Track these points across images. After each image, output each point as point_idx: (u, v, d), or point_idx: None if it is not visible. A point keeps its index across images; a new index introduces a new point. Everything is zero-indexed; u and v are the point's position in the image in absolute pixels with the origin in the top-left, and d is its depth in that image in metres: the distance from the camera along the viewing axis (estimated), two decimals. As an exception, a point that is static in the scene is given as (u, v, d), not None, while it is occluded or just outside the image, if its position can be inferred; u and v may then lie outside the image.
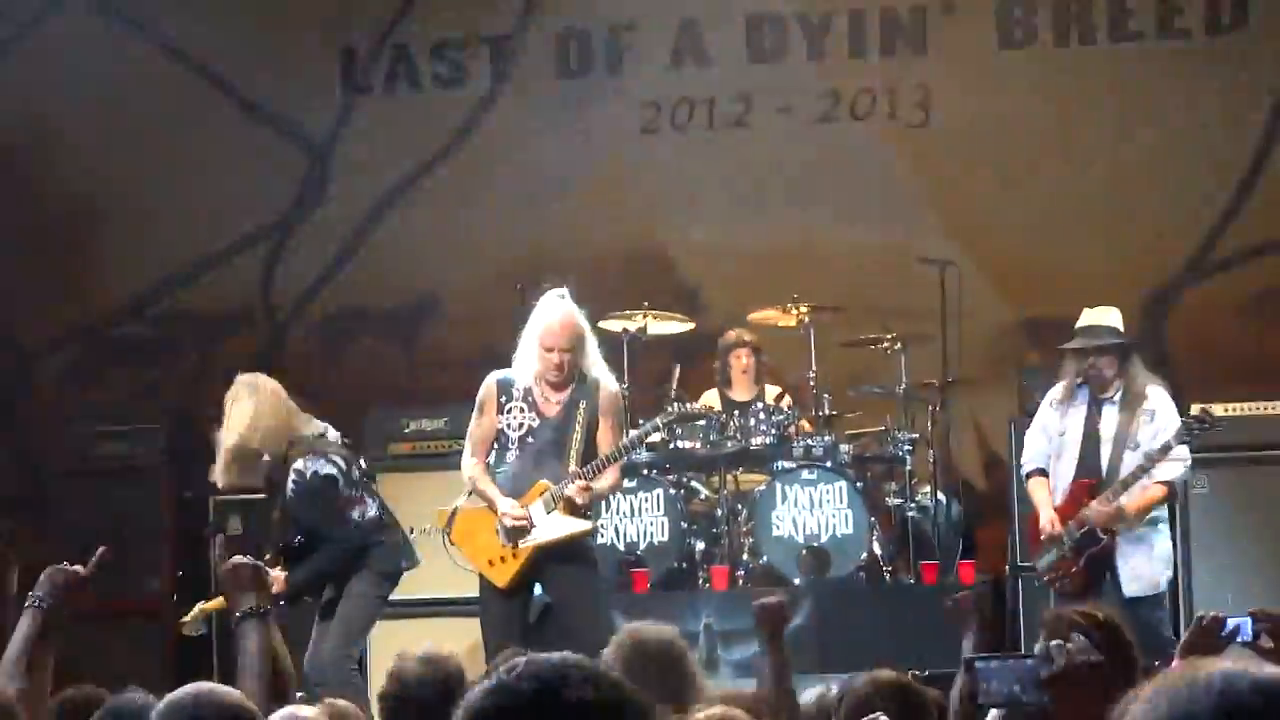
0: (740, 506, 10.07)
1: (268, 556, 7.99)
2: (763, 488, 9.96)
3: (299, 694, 4.83)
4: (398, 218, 12.29)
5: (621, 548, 9.89)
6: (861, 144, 11.87)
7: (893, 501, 10.26)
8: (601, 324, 9.18)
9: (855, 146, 11.87)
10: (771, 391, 10.49)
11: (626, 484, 9.50)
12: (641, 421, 8.94)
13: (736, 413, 10.13)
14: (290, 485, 7.98)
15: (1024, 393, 10.05)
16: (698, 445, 10.06)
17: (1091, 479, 8.53)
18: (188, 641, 10.21)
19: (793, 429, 10.15)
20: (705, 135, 12.09)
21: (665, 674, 4.80)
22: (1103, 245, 11.52)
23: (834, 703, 4.48)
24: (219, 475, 8.11)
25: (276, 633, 4.56)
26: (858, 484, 9.96)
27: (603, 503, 9.15)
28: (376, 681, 5.22)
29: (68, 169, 12.25)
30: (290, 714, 3.93)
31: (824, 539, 9.83)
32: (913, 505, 10.10)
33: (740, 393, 10.50)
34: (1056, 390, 8.76)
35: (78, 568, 4.49)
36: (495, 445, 8.11)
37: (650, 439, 9.09)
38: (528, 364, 8.06)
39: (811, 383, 10.30)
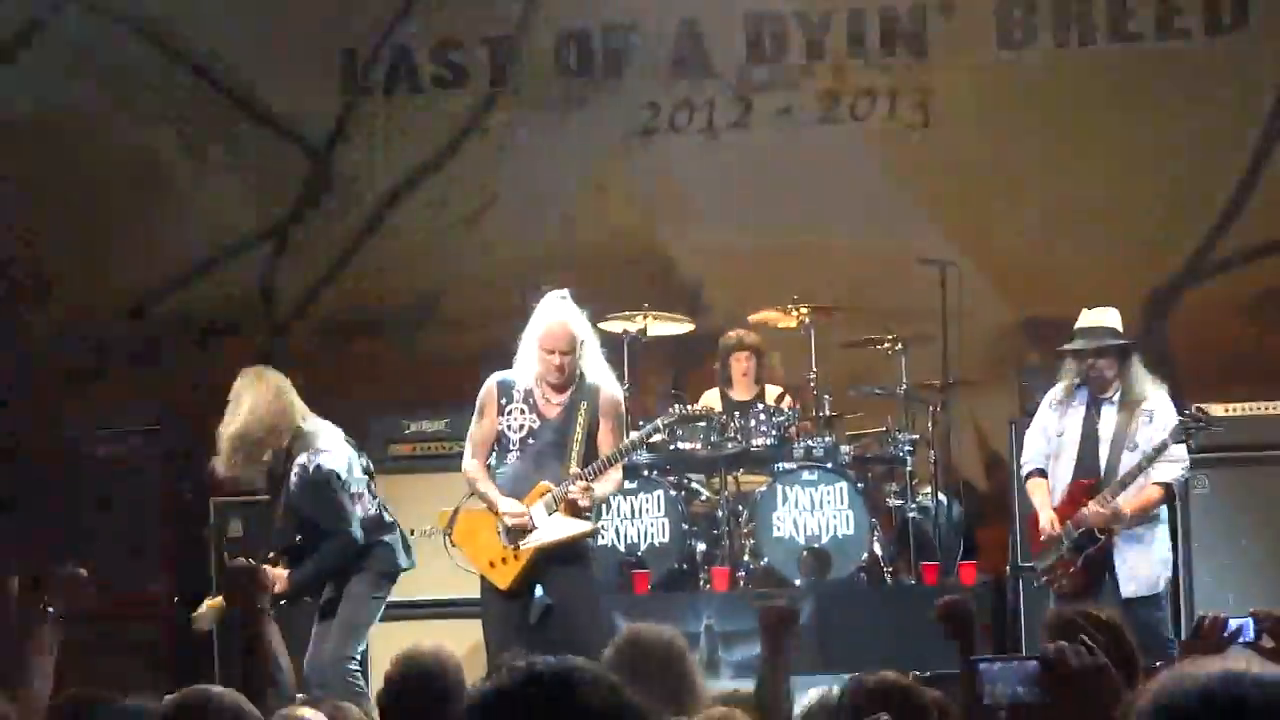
0: (741, 508, 10.07)
1: (270, 555, 8.01)
2: (763, 489, 9.96)
3: (299, 695, 4.83)
4: (398, 219, 12.30)
5: (622, 549, 9.90)
6: (861, 144, 11.87)
7: (893, 502, 10.27)
8: (602, 325, 9.18)
9: (855, 147, 11.87)
10: (772, 392, 10.50)
11: (627, 485, 9.49)
12: (642, 423, 8.94)
13: (737, 414, 10.13)
14: (294, 478, 7.98)
15: (1024, 393, 10.04)
16: (698, 446, 10.06)
17: (1090, 479, 8.53)
18: (188, 643, 10.22)
19: (793, 430, 10.15)
20: (705, 136, 12.09)
21: (665, 675, 4.80)
22: (1103, 245, 11.52)
23: (835, 703, 4.48)
24: (221, 464, 8.10)
25: (277, 634, 4.57)
26: (858, 485, 9.96)
27: (604, 504, 9.14)
28: (377, 682, 5.22)
29: (68, 169, 12.25)
30: (291, 714, 3.93)
31: (825, 540, 9.83)
32: (913, 506, 10.11)
33: (741, 393, 10.51)
34: (1055, 391, 8.76)
35: (81, 570, 4.50)
36: (496, 447, 8.10)
37: (651, 440, 9.10)
38: (528, 365, 8.05)
39: (812, 384, 10.30)
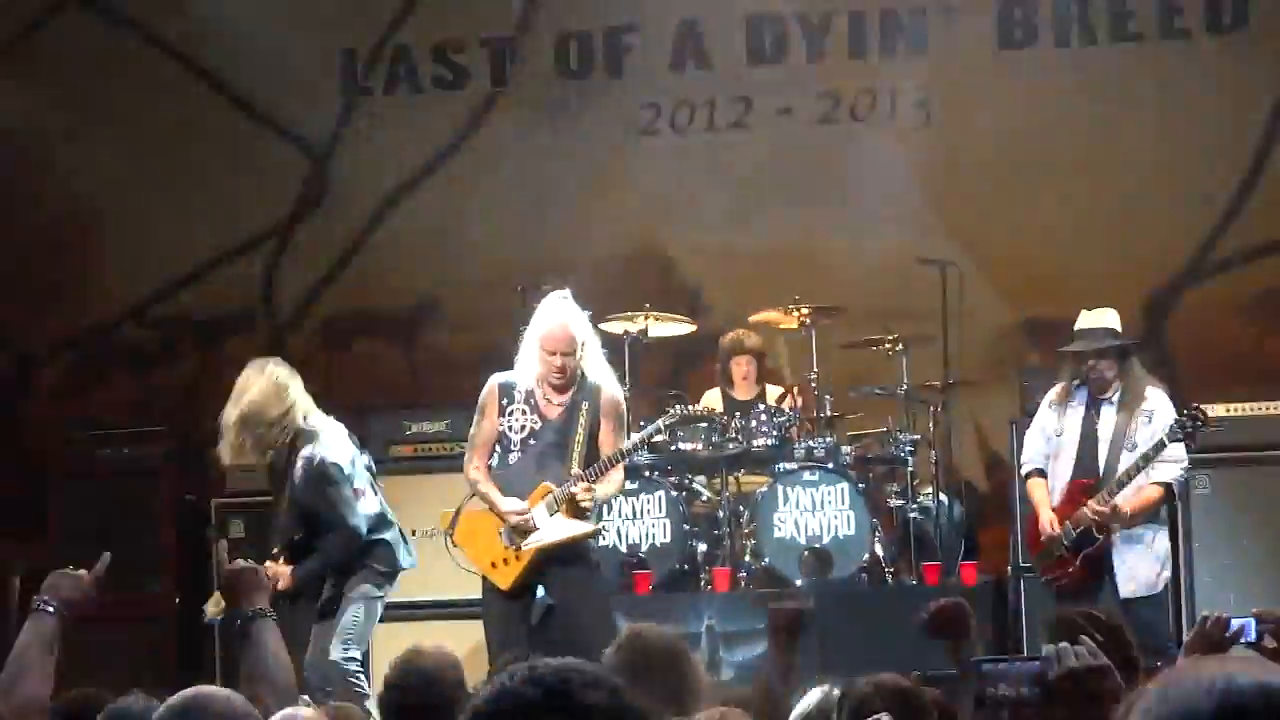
0: (742, 508, 10.06)
1: (274, 550, 8.01)
2: (764, 489, 9.96)
3: (301, 696, 4.83)
4: (398, 219, 12.30)
5: (623, 549, 9.89)
6: (862, 145, 11.87)
7: (894, 503, 10.26)
8: (603, 326, 9.18)
9: (855, 147, 11.86)
10: (773, 392, 10.49)
11: (628, 486, 9.49)
12: (643, 423, 8.94)
13: (738, 414, 10.13)
14: (299, 471, 7.98)
15: (1025, 393, 10.04)
16: (699, 447, 10.05)
17: (1088, 479, 8.53)
18: (188, 643, 10.23)
19: (794, 430, 10.16)
20: (705, 137, 12.09)
21: (667, 675, 4.80)
22: (1103, 245, 11.52)
23: (835, 703, 4.48)
24: (224, 451, 8.08)
25: (278, 635, 4.56)
26: (859, 485, 9.96)
27: (605, 505, 9.14)
28: (378, 683, 5.22)
29: (68, 171, 12.25)
30: (292, 715, 3.93)
31: (826, 540, 9.82)
32: (914, 506, 10.10)
33: (742, 394, 10.51)
34: (1054, 391, 8.77)
35: (82, 572, 4.49)
36: (497, 447, 8.10)
37: (652, 441, 9.09)
38: (529, 366, 8.05)
39: (813, 384, 10.30)
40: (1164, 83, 11.67)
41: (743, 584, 9.85)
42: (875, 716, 4.05)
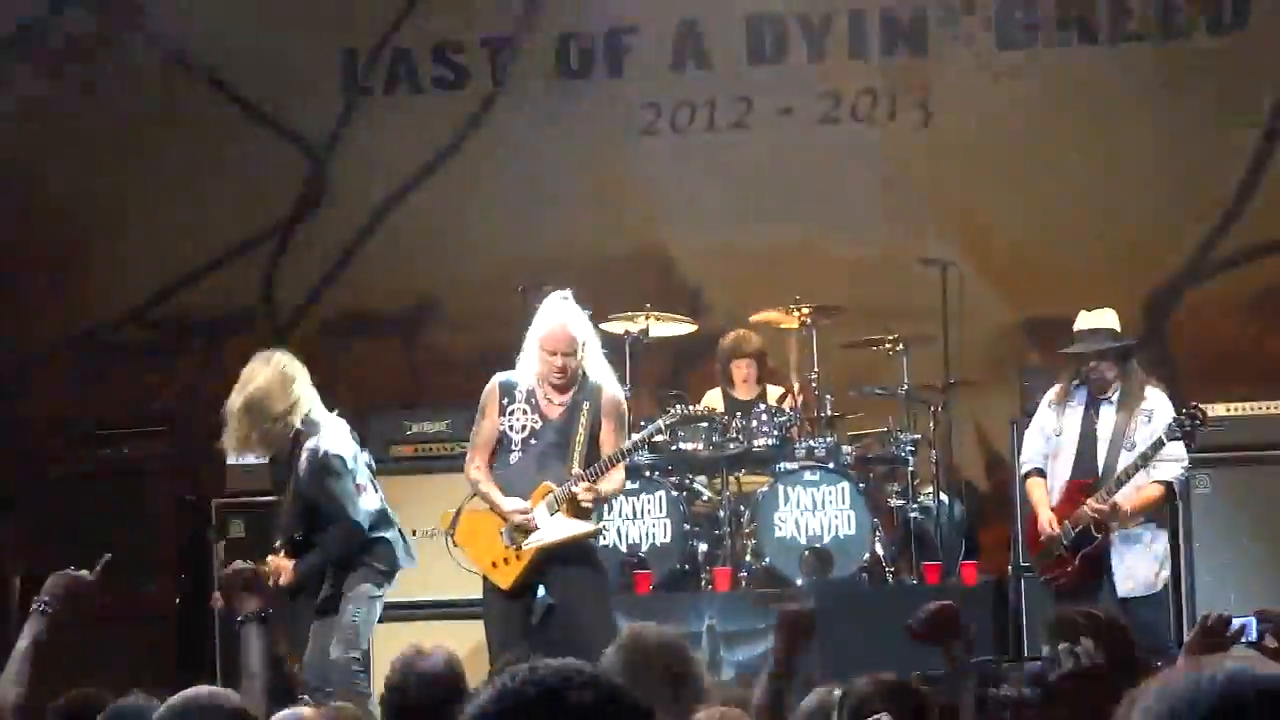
0: (743, 508, 10.06)
1: (276, 544, 8.02)
2: (765, 489, 9.96)
3: (301, 696, 4.83)
4: (398, 219, 12.30)
5: (624, 549, 9.90)
6: (862, 145, 11.87)
7: (895, 502, 10.26)
8: (603, 326, 9.18)
9: (856, 147, 11.87)
10: (774, 392, 10.49)
11: (629, 486, 9.49)
12: (644, 423, 8.94)
13: (739, 414, 10.13)
14: (303, 463, 7.99)
15: (1025, 393, 10.04)
16: (700, 447, 10.06)
17: (1088, 479, 8.54)
18: (189, 644, 10.23)
19: (795, 430, 10.16)
20: (705, 137, 12.09)
21: (667, 675, 4.80)
22: (1103, 245, 11.52)
23: (835, 704, 4.48)
24: (228, 440, 8.07)
25: (269, 639, 4.56)
26: (860, 485, 9.96)
27: (606, 505, 9.14)
28: (378, 683, 5.21)
29: (68, 171, 12.25)
30: (292, 715, 3.93)
31: (826, 540, 9.82)
32: (915, 506, 10.10)
33: (743, 394, 10.51)
34: (1054, 390, 8.77)
35: (84, 572, 4.49)
36: (498, 447, 8.10)
37: (653, 440, 9.09)
38: (530, 366, 8.06)
39: (814, 384, 10.30)
40: (1164, 83, 11.67)
41: (743, 584, 9.85)
42: (875, 716, 4.05)
